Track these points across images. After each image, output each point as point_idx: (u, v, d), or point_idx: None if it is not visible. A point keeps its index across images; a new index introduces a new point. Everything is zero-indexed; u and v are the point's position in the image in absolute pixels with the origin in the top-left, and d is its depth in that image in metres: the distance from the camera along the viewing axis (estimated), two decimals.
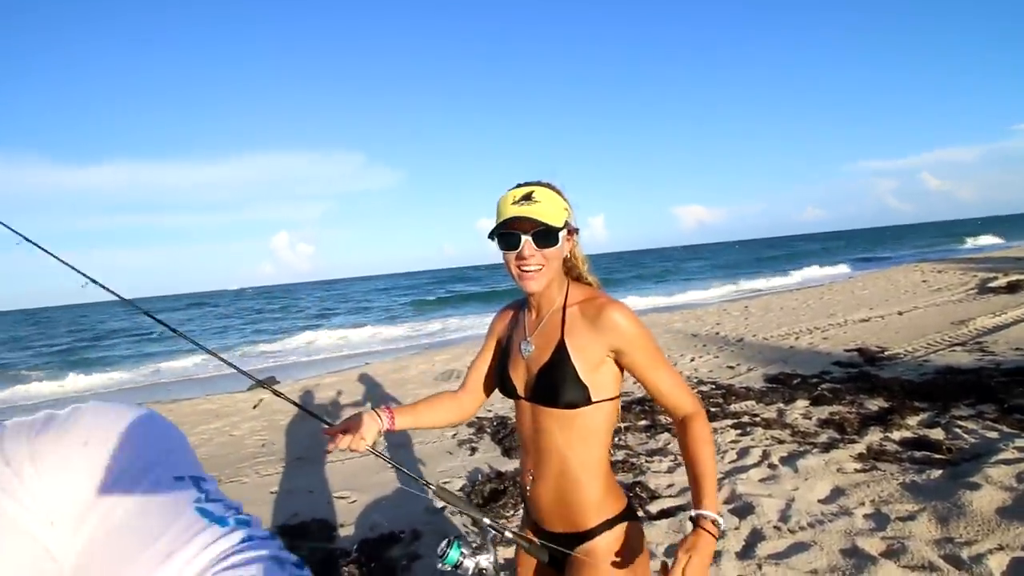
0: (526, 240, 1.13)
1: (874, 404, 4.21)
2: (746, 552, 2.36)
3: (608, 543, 1.16)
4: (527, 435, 1.23)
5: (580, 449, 1.16)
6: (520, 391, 1.23)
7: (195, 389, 10.02)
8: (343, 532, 3.05)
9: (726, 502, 2.88)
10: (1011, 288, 9.79)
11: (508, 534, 1.19)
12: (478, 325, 15.68)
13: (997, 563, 2.08)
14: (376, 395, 6.64)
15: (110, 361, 16.18)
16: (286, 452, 4.84)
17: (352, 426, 1.19)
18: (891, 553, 2.25)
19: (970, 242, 35.15)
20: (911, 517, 2.50)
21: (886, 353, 6.11)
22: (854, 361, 5.90)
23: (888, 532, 2.41)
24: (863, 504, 2.69)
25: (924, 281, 12.96)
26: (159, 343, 20.03)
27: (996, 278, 11.12)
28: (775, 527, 2.55)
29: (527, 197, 1.14)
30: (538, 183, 1.18)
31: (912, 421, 3.77)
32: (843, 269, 23.83)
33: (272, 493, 3.79)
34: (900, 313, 8.78)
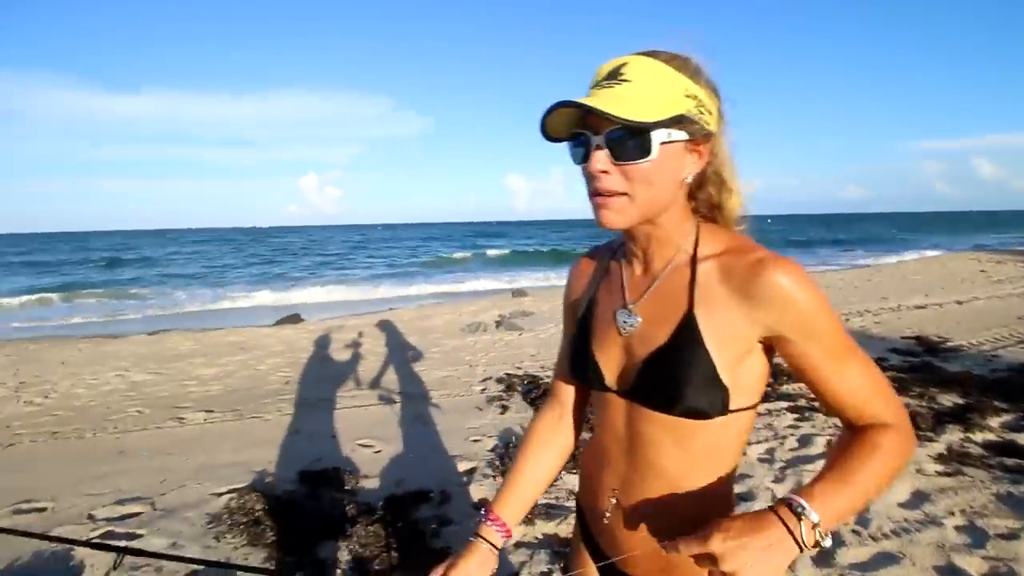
0: (597, 148, 0.69)
1: (947, 399, 3.81)
2: (824, 558, 2.08)
3: None
4: (613, 442, 0.83)
5: (702, 475, 0.77)
6: (611, 381, 0.81)
7: (220, 320, 10.08)
8: (366, 484, 2.87)
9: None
10: None
11: None
12: (506, 281, 15.41)
13: None
14: (398, 343, 6.47)
15: (139, 287, 16.53)
16: (308, 392, 4.71)
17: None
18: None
19: None
20: (1013, 536, 2.17)
21: (948, 344, 5.63)
22: (913, 349, 5.44)
23: (989, 551, 2.09)
24: (953, 514, 2.36)
25: (982, 271, 12.16)
26: (182, 276, 20.43)
27: None
28: (854, 531, 2.25)
29: (613, 74, 0.69)
30: (646, 53, 0.71)
31: (994, 422, 3.37)
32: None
33: (294, 434, 3.65)
34: (959, 303, 8.17)
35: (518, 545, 2.26)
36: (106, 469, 3.13)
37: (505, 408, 3.97)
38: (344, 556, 2.20)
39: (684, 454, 0.76)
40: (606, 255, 0.91)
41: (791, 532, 0.61)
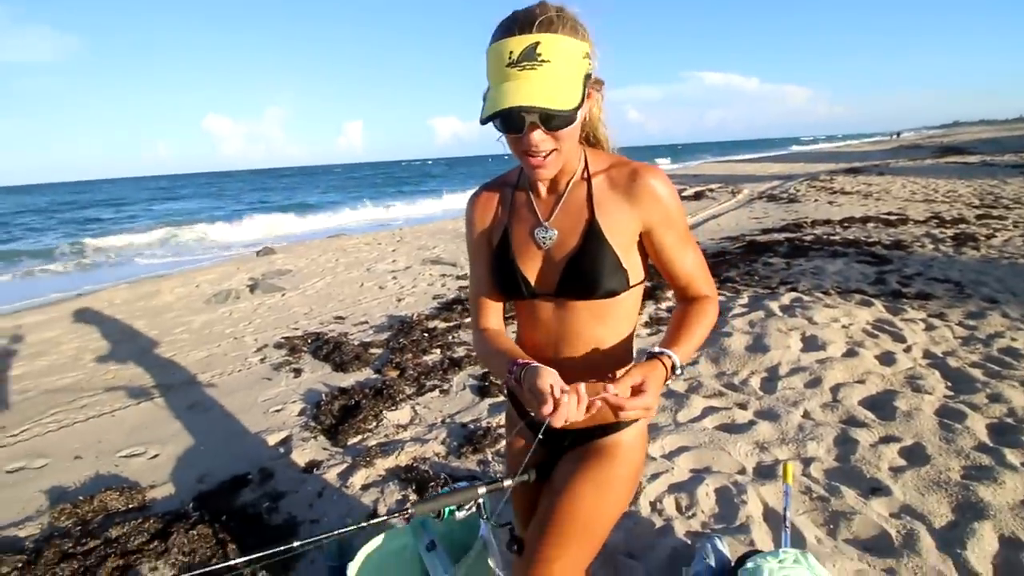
0: (531, 124, 0.84)
1: None
2: None
3: (633, 435, 1.05)
4: (543, 334, 1.03)
5: (616, 337, 1.01)
6: (538, 288, 1.00)
7: None
8: (158, 494, 2.42)
9: None
10: (697, 196, 13.06)
11: (507, 483, 1.03)
12: (238, 238, 13.41)
13: (755, 382, 2.96)
14: (122, 331, 5.18)
15: None
16: (4, 420, 3.47)
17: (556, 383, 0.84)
18: (692, 389, 2.95)
19: (660, 162, 44.80)
20: (695, 362, 3.30)
21: None
22: None
23: (686, 374, 3.14)
24: None
25: None
26: None
27: (686, 188, 14.65)
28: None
29: (529, 55, 0.79)
30: (542, 20, 0.80)
31: (668, 293, 4.85)
32: None
33: (9, 473, 2.71)
34: None
35: (365, 487, 2.33)
36: None
37: (298, 371, 3.73)
38: (169, 573, 1.90)
39: (603, 326, 1.00)
40: (506, 188, 1.06)
41: (667, 374, 0.91)
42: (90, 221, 22.85)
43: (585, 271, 0.95)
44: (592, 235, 0.95)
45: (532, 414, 0.94)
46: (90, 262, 11.44)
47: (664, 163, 41.23)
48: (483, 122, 0.84)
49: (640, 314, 4.23)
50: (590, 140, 1.04)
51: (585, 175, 0.97)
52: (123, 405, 3.43)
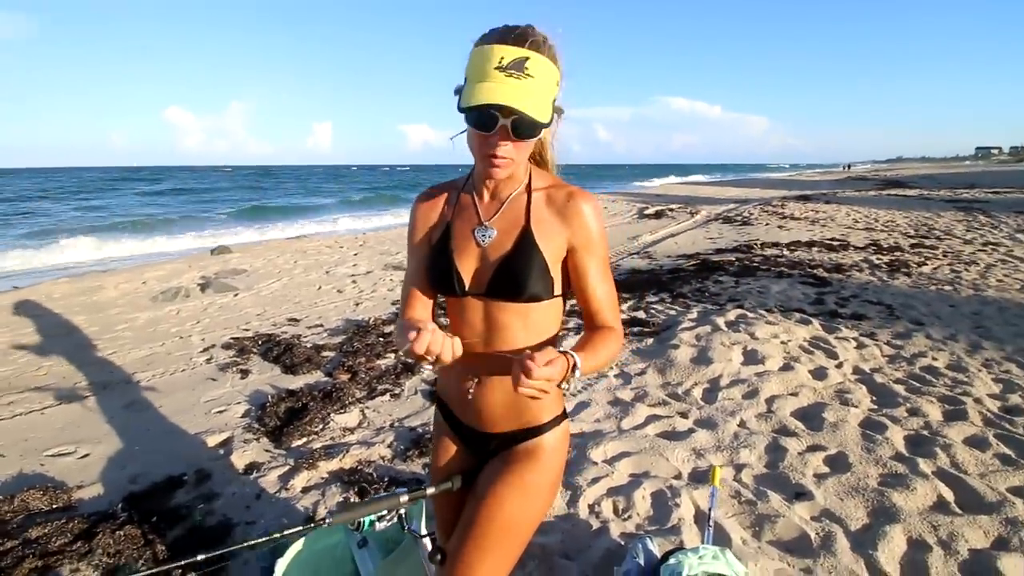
0: (502, 126, 0.91)
1: None
2: None
3: (555, 438, 1.11)
4: (471, 335, 1.06)
5: (539, 343, 1.06)
6: (470, 287, 1.06)
7: None
8: (86, 494, 2.31)
9: None
10: (658, 215, 13.47)
11: (430, 490, 1.08)
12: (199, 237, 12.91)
13: (698, 392, 3.07)
14: (59, 325, 4.91)
15: None
16: None
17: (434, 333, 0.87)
18: (638, 398, 3.04)
19: (645, 182, 44.97)
20: (643, 372, 3.41)
21: None
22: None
23: (633, 384, 3.24)
24: (612, 368, 3.52)
25: (605, 208, 16.61)
26: None
27: (648, 207, 15.09)
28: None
29: (518, 65, 0.89)
30: (534, 40, 0.91)
31: (624, 307, 4.98)
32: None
33: None
34: None
35: (305, 490, 2.29)
36: None
37: (246, 373, 3.64)
38: (91, 575, 1.82)
39: (527, 330, 1.05)
40: (451, 191, 1.14)
41: (569, 368, 0.93)
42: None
43: (515, 272, 1.02)
44: (525, 241, 1.02)
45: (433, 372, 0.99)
46: None
47: (672, 180, 41.34)
48: (461, 110, 0.92)
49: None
50: (537, 160, 1.14)
51: (527, 189, 1.07)
52: (54, 403, 3.26)
